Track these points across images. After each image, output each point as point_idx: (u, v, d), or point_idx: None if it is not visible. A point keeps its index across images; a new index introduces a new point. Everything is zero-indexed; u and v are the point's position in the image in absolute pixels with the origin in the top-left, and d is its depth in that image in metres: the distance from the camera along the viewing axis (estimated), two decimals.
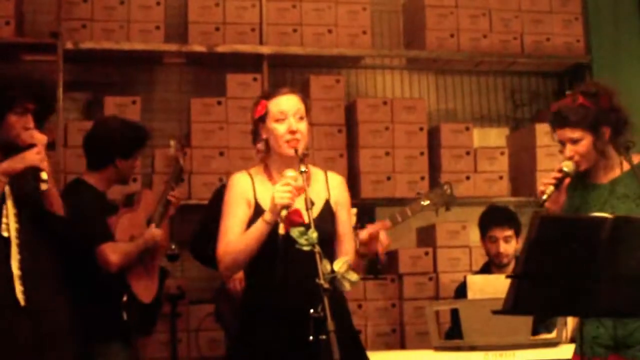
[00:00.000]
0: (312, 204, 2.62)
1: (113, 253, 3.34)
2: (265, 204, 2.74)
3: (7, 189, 2.90)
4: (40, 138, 2.95)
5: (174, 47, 4.87)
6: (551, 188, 2.79)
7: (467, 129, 5.08)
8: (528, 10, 5.24)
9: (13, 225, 2.90)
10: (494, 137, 5.43)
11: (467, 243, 4.86)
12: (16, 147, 2.92)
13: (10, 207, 2.90)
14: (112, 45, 4.73)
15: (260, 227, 2.69)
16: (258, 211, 2.76)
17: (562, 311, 2.71)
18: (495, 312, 2.56)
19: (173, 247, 3.85)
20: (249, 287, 2.89)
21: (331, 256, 2.72)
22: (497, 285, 3.11)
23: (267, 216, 2.70)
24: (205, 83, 5.09)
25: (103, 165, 3.57)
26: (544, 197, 2.78)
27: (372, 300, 4.70)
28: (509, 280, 2.49)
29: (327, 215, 2.83)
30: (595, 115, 2.82)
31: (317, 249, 2.51)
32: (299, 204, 2.65)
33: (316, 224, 2.65)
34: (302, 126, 2.80)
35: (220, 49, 4.85)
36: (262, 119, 2.81)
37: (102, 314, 3.36)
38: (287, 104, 2.80)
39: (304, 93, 3.04)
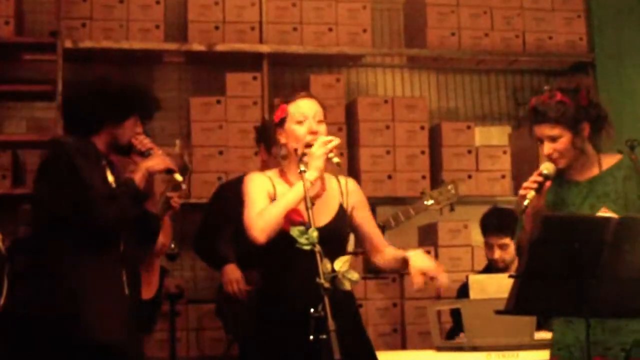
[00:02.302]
0: (312, 204, 2.61)
1: None
2: None
3: None
4: (154, 145, 3.08)
5: (174, 46, 4.86)
6: (532, 193, 2.72)
7: (469, 127, 5.06)
8: (530, 8, 5.22)
9: None
10: (496, 135, 5.40)
11: (469, 242, 4.84)
12: (125, 149, 3.01)
13: None
14: (111, 44, 4.72)
15: (301, 188, 2.68)
16: None
17: (565, 311, 2.68)
18: (497, 312, 2.54)
19: (172, 246, 3.82)
20: (265, 286, 2.89)
21: (343, 254, 2.73)
22: (499, 285, 3.10)
23: (310, 175, 2.71)
24: (204, 82, 5.08)
25: None
26: (525, 202, 2.70)
27: (373, 299, 4.68)
28: (511, 280, 2.47)
29: (342, 218, 2.86)
30: (574, 112, 2.76)
31: (318, 248, 2.50)
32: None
33: (332, 227, 2.75)
34: (322, 128, 2.83)
35: (220, 47, 4.83)
36: (282, 122, 2.84)
37: None
38: (307, 106, 2.84)
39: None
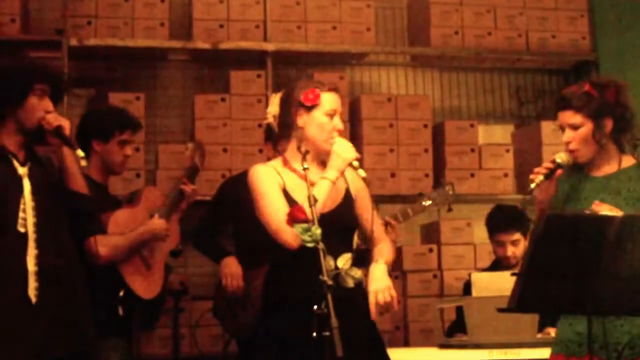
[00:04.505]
0: (315, 200, 2.62)
1: (101, 245, 3.29)
2: (295, 195, 2.74)
3: (26, 182, 2.88)
4: (66, 120, 2.95)
5: (178, 44, 4.87)
6: (540, 177, 2.77)
7: (472, 126, 5.06)
8: (533, 7, 5.22)
9: (31, 220, 2.85)
10: (499, 134, 5.41)
11: (472, 240, 4.85)
12: (39, 130, 2.90)
13: (28, 202, 2.87)
14: (116, 42, 4.73)
15: (325, 187, 2.71)
16: (289, 201, 2.75)
17: (568, 309, 2.69)
18: (500, 310, 2.55)
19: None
20: (273, 281, 2.89)
21: (351, 243, 2.80)
22: (502, 283, 3.11)
23: (332, 174, 2.73)
24: (209, 80, 5.09)
25: (88, 152, 3.50)
26: (532, 185, 2.76)
27: None
28: (514, 278, 2.49)
29: (349, 203, 2.87)
30: (599, 105, 2.78)
31: (321, 245, 2.50)
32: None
33: (339, 212, 2.77)
34: (342, 127, 2.88)
35: (224, 45, 4.84)
36: (311, 108, 2.83)
37: (97, 309, 3.33)
38: (337, 102, 2.87)
39: None
